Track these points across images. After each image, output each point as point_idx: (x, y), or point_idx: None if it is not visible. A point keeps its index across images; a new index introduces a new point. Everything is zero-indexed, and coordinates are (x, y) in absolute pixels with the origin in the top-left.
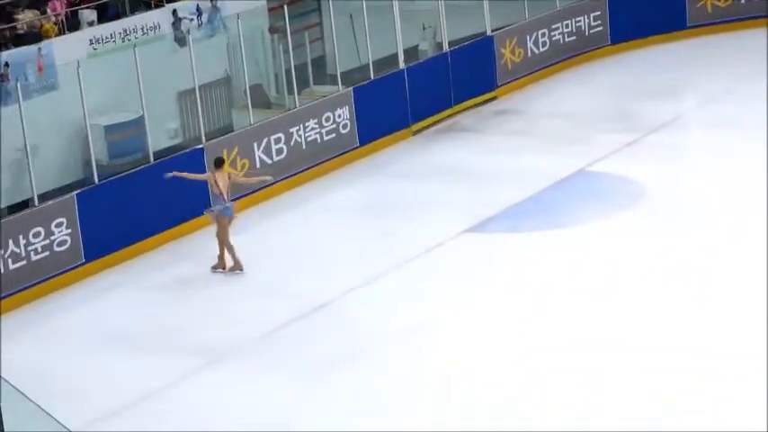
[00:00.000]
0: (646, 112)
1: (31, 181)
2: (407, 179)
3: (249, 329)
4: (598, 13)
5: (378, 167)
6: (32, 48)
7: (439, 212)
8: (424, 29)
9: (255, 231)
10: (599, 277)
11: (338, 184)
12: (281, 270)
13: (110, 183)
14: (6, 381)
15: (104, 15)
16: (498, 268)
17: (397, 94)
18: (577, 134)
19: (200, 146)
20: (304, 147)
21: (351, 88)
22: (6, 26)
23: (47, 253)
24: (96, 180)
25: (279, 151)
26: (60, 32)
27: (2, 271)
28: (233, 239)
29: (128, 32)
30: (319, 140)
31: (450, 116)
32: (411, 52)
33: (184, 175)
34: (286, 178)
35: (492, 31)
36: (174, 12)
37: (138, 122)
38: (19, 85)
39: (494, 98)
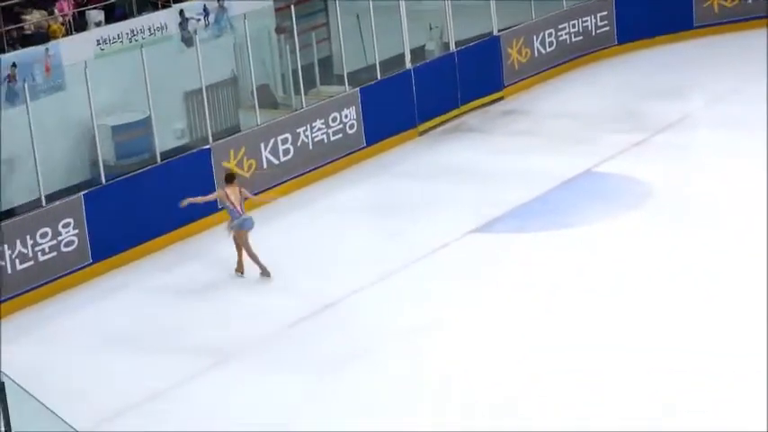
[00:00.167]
0: (653, 113)
1: (38, 181)
2: (414, 179)
3: (255, 329)
4: (605, 12)
5: (384, 168)
6: (40, 48)
7: (445, 213)
8: (430, 29)
9: (262, 231)
10: (605, 277)
11: (345, 185)
12: (288, 270)
13: (117, 183)
14: (13, 380)
15: (111, 16)
16: (504, 268)
17: (403, 95)
18: (584, 134)
19: (207, 146)
20: (311, 147)
21: (357, 88)
22: (14, 26)
23: (54, 253)
24: (103, 180)
25: (286, 151)
26: (67, 33)
27: (9, 271)
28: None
29: (135, 33)
30: (326, 141)
31: (456, 116)
32: (418, 52)
33: (198, 199)
34: (293, 178)
35: (499, 31)
36: (181, 12)
37: (145, 123)
38: (26, 86)
39: (500, 98)
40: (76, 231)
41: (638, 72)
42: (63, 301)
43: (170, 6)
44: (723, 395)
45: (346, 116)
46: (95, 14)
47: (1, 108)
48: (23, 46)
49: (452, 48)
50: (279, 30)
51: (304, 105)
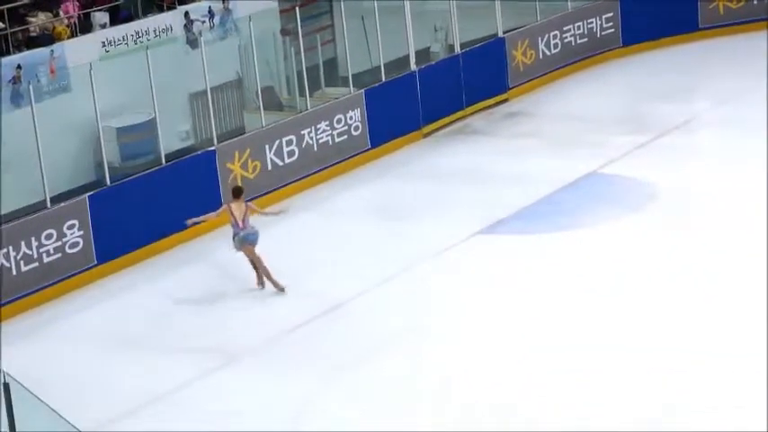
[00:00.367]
0: (658, 114)
1: (43, 183)
2: (419, 181)
3: (260, 331)
4: (610, 14)
5: (389, 169)
6: (45, 50)
7: (450, 214)
8: (435, 31)
9: (267, 233)
10: (607, 279)
11: (349, 187)
12: (292, 272)
13: (122, 185)
14: (18, 382)
15: (116, 18)
16: (508, 270)
17: (408, 96)
18: (589, 136)
19: (212, 148)
20: (315, 149)
21: (362, 90)
22: (19, 28)
23: (59, 255)
24: (108, 182)
25: (290, 153)
26: (73, 35)
27: (14, 273)
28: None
29: (140, 35)
30: (331, 142)
31: (461, 118)
32: (422, 54)
33: (203, 217)
34: (297, 180)
35: (503, 32)
36: (186, 14)
37: (150, 124)
38: (31, 88)
39: (505, 100)
40: (81, 233)
41: (644, 74)
42: (68, 302)
43: (175, 8)
44: (723, 395)
45: (351, 118)
46: (100, 16)
47: (1, 109)
48: (29, 48)
49: (457, 50)
50: (284, 31)
51: (309, 107)
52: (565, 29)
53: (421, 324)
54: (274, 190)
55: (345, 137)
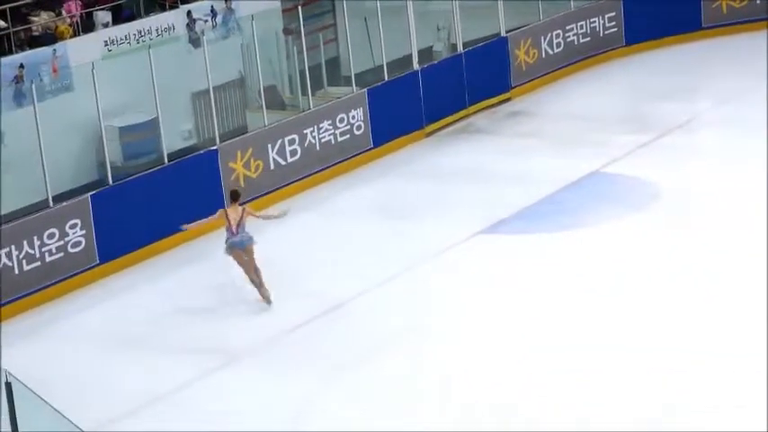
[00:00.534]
0: (660, 114)
1: (45, 182)
2: (421, 180)
3: (260, 331)
4: (613, 13)
5: (391, 169)
6: (47, 49)
7: (452, 214)
8: (438, 30)
9: (269, 232)
10: (607, 278)
11: (352, 186)
12: (294, 272)
13: (124, 184)
14: (20, 381)
15: (119, 17)
16: (510, 270)
17: (411, 96)
18: (591, 135)
19: (215, 147)
20: (318, 148)
21: (365, 89)
22: (21, 27)
23: (61, 254)
24: (111, 181)
25: (293, 152)
26: (75, 34)
27: (16, 272)
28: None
29: (142, 34)
30: (333, 142)
31: (463, 117)
32: (425, 53)
33: (198, 223)
34: (299, 180)
35: (506, 32)
36: (189, 13)
37: (153, 124)
38: (34, 87)
39: (508, 99)
40: (84, 232)
41: (646, 73)
42: (70, 301)
43: (177, 7)
44: (723, 395)
45: (353, 117)
46: (103, 15)
47: (0, 109)
48: (31, 47)
49: (460, 49)
50: (286, 31)
51: (311, 106)
52: (567, 28)
53: (421, 324)
54: (277, 189)
55: (348, 136)
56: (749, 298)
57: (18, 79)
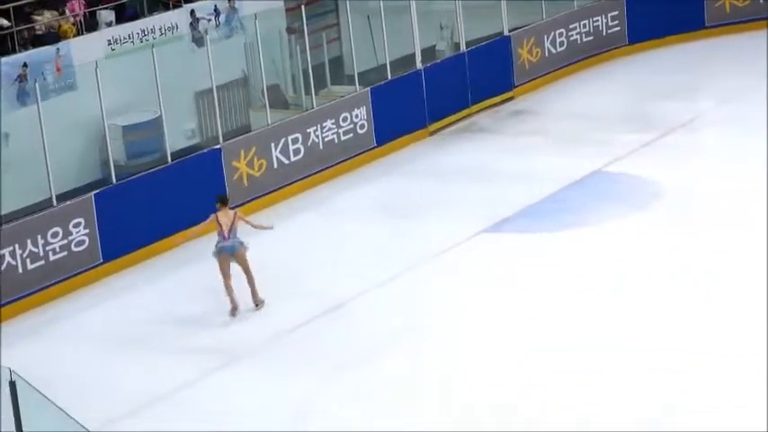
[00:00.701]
0: (663, 113)
1: (49, 181)
2: (424, 179)
3: (260, 331)
4: (616, 12)
5: (395, 167)
6: (51, 48)
7: (455, 213)
8: (441, 29)
9: (272, 231)
10: (608, 278)
11: (355, 185)
12: (297, 271)
13: (128, 183)
14: (24, 380)
15: (122, 16)
16: (512, 269)
17: (414, 95)
18: (594, 134)
19: (218, 146)
20: (321, 147)
21: (368, 88)
22: (25, 27)
23: (65, 253)
24: (114, 180)
25: (296, 151)
26: (78, 33)
27: (20, 270)
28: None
29: (146, 33)
30: (336, 141)
31: (467, 116)
32: (428, 52)
33: (192, 230)
34: (303, 179)
35: (509, 31)
36: (192, 12)
37: (156, 123)
38: (37, 86)
39: (511, 98)
40: (87, 231)
41: (649, 72)
42: (73, 300)
43: (181, 6)
44: (723, 395)
45: (357, 116)
46: (106, 14)
47: (0, 108)
48: (34, 46)
49: (463, 48)
50: (289, 30)
51: (314, 105)
52: (570, 27)
53: (422, 324)
54: (280, 188)
55: (351, 135)
56: (749, 298)
57: (21, 78)
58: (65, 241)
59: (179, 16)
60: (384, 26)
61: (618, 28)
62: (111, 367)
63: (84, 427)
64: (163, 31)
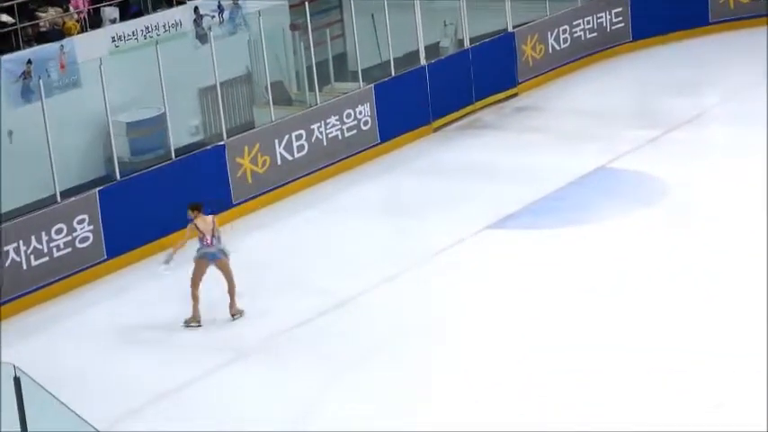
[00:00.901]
0: (668, 109)
1: (53, 177)
2: (428, 176)
3: (264, 329)
4: (620, 9)
5: (398, 164)
6: (55, 45)
7: (459, 209)
8: (445, 25)
9: (276, 228)
10: (608, 277)
11: (359, 181)
12: (301, 267)
13: (132, 179)
14: (30, 377)
15: (126, 13)
16: (517, 265)
17: (417, 91)
18: (598, 131)
19: (222, 142)
20: (325, 143)
21: (372, 85)
22: (29, 24)
23: (69, 249)
24: (118, 177)
25: (300, 148)
26: (82, 30)
27: (24, 267)
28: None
29: (149, 30)
30: (340, 137)
31: (470, 113)
32: (432, 49)
33: (176, 246)
34: (306, 175)
35: (513, 27)
36: (196, 9)
37: (160, 119)
38: (41, 83)
39: (514, 95)
40: (91, 227)
41: (653, 68)
42: (77, 297)
43: (185, 3)
44: (723, 395)
45: (360, 113)
46: (110, 11)
47: (0, 106)
48: (39, 43)
49: (467, 44)
50: (293, 26)
51: (318, 102)
52: (574, 23)
53: (422, 323)
54: (284, 184)
55: (355, 131)
56: (750, 298)
57: (26, 75)
58: (69, 238)
59: (183, 13)
60: (388, 23)
61: (622, 24)
62: (114, 364)
63: (88, 423)
64: (167, 28)
